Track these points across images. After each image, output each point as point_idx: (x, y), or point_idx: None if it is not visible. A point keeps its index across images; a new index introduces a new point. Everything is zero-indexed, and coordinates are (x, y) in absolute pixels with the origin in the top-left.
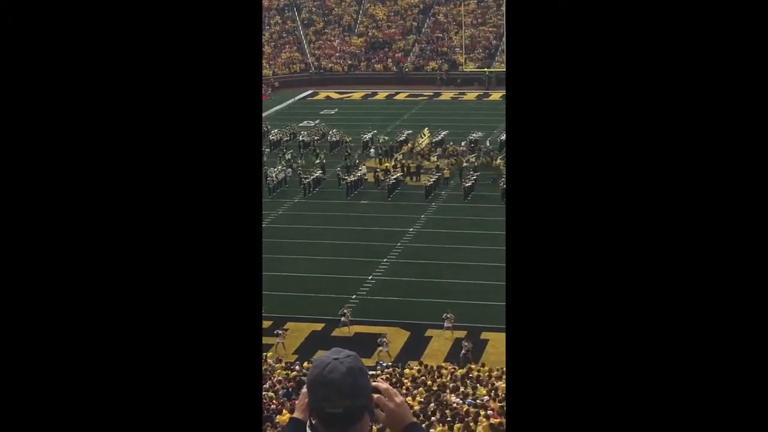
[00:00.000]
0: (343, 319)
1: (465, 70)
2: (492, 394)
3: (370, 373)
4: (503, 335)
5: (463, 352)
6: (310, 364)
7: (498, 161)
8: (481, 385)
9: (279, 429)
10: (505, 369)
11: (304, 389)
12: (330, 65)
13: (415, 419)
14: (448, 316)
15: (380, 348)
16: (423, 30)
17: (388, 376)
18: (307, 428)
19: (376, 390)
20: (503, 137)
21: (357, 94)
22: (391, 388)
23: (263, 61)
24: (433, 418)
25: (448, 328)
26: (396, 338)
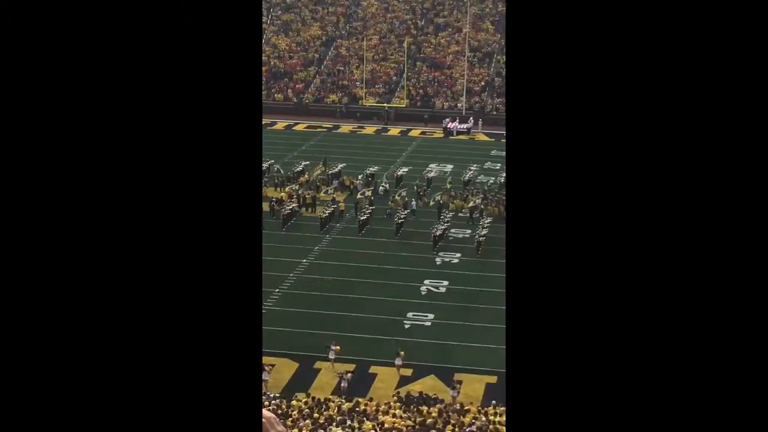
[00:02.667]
0: None
1: (365, 104)
2: (378, 428)
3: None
4: (391, 369)
5: (342, 384)
6: None
7: (396, 197)
8: (367, 419)
9: None
10: (390, 404)
11: None
12: None
13: None
14: (334, 347)
15: (264, 378)
16: (324, 62)
17: (274, 407)
18: None
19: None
20: (400, 172)
21: None
22: (273, 416)
23: None
24: None
25: (331, 360)
26: (284, 369)
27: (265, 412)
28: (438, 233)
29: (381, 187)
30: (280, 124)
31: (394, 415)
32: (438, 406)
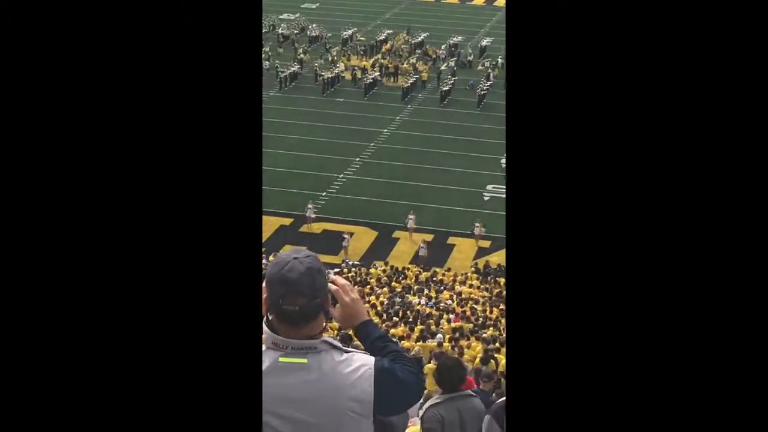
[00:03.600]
0: (307, 214)
1: None
2: (455, 298)
3: (335, 270)
4: (470, 240)
5: (420, 253)
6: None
7: (479, 67)
8: (445, 289)
9: None
10: (468, 274)
11: (264, 285)
12: None
13: (368, 317)
14: (411, 216)
15: (344, 244)
16: None
17: (353, 274)
18: (263, 324)
19: (334, 284)
20: (484, 42)
21: None
22: (348, 283)
23: None
24: (395, 318)
25: (410, 230)
26: (363, 238)
27: (338, 278)
28: None
29: (465, 58)
30: None
31: (471, 286)
32: None
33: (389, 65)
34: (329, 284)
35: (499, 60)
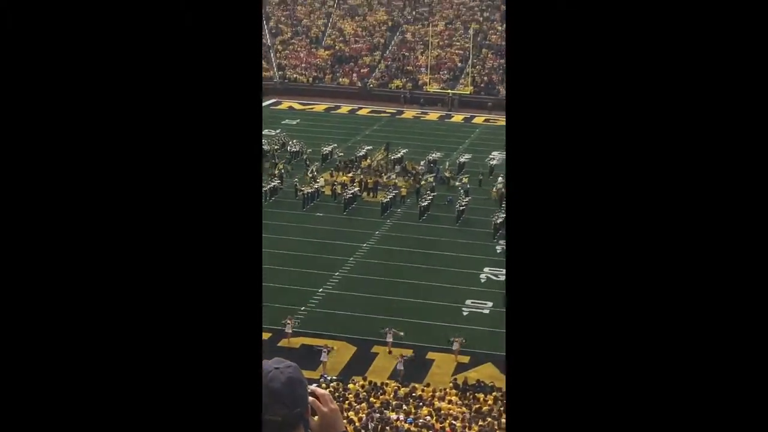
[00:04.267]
0: (286, 329)
1: (429, 90)
2: (434, 414)
3: (314, 385)
4: (448, 356)
5: (399, 368)
6: None
7: (457, 183)
8: (424, 405)
9: None
10: (447, 390)
11: None
12: (295, 76)
13: (346, 429)
14: (392, 332)
15: (322, 359)
16: (390, 47)
17: (331, 390)
18: None
19: (313, 394)
20: (462, 159)
21: (320, 107)
22: (327, 393)
23: None
24: None
25: (388, 345)
26: (342, 353)
27: (318, 389)
28: (499, 221)
29: (443, 174)
30: (344, 108)
31: (450, 402)
32: (494, 393)
33: (369, 181)
34: (309, 395)
35: (480, 178)
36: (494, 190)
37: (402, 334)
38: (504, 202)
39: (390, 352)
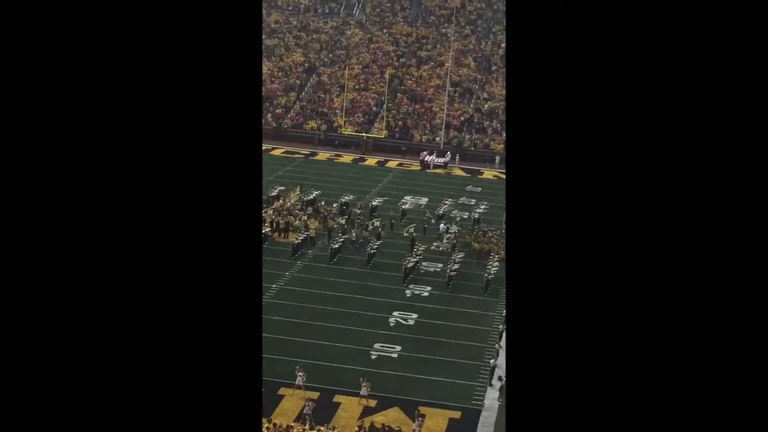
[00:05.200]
0: None
1: (343, 132)
2: None
3: None
4: (355, 399)
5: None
6: None
7: (371, 227)
8: None
9: None
10: None
11: None
12: None
13: None
14: (299, 374)
15: None
16: (305, 89)
17: None
18: None
19: None
20: (375, 202)
21: None
22: None
23: None
24: None
25: (295, 387)
26: None
27: None
28: (410, 265)
29: (355, 217)
30: None
31: None
32: None
33: (280, 221)
34: None
35: (392, 221)
36: (406, 233)
37: (301, 374)
38: (414, 247)
39: (300, 387)
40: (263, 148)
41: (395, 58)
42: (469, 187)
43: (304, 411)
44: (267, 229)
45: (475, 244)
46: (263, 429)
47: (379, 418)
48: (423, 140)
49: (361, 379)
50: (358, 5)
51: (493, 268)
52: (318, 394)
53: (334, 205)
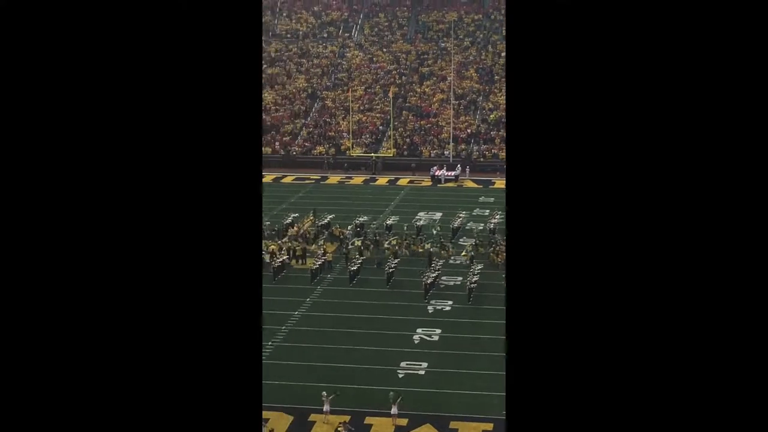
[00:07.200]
0: None
1: (352, 154)
2: None
3: None
4: (387, 419)
5: None
6: None
7: (386, 246)
8: None
9: None
10: None
11: None
12: None
13: None
14: (328, 399)
15: None
16: (311, 114)
17: None
18: None
19: None
20: (389, 221)
21: None
22: None
23: None
24: None
25: (325, 412)
26: (279, 422)
27: None
28: (429, 281)
29: (371, 237)
30: (268, 177)
31: None
32: None
33: (297, 248)
34: None
35: (408, 240)
36: (421, 249)
37: (338, 393)
38: (432, 262)
39: (327, 412)
40: (275, 176)
41: (397, 77)
42: (481, 198)
43: None
44: (285, 257)
45: (493, 255)
46: None
47: None
48: (432, 155)
49: (391, 394)
50: (356, 27)
51: None
52: (349, 417)
53: (349, 227)
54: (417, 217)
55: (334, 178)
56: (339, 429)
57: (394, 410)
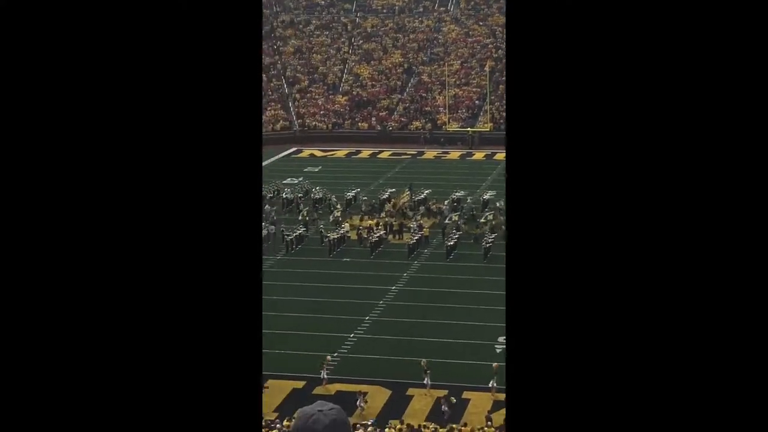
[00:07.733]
0: (321, 375)
1: (448, 129)
2: None
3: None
4: (485, 394)
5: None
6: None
7: (482, 220)
8: None
9: None
10: (485, 429)
11: None
12: (314, 123)
13: None
14: (426, 373)
15: (359, 404)
16: (407, 89)
17: None
18: None
19: None
20: (486, 196)
21: (341, 152)
22: None
23: None
24: None
25: (426, 386)
26: (377, 397)
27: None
28: None
29: (468, 212)
30: (365, 152)
31: None
32: None
33: (394, 223)
34: None
35: (498, 204)
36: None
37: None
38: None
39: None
40: (371, 151)
41: (494, 50)
42: None
43: (442, 409)
44: (381, 232)
45: None
46: (395, 430)
47: None
48: None
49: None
50: (452, 1)
51: None
52: (446, 391)
53: (446, 202)
54: None
55: (430, 153)
56: (441, 401)
57: (492, 384)
